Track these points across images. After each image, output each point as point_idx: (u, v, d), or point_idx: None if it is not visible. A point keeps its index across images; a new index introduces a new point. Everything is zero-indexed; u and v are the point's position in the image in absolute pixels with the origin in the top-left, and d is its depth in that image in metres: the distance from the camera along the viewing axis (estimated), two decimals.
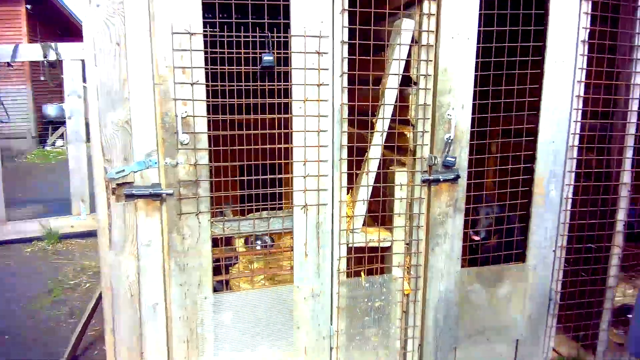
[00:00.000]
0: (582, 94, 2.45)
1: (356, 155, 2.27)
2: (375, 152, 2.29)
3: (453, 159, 2.32)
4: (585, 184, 2.57)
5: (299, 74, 2.09)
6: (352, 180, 2.35)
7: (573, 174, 2.55)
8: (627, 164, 2.59)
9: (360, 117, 2.27)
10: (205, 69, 1.98)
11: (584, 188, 2.60)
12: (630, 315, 3.06)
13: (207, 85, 1.99)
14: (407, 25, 2.17)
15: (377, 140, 2.28)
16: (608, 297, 2.71)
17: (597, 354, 2.76)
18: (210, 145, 2.04)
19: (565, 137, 2.49)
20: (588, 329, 2.76)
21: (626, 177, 2.60)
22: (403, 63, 2.22)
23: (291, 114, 2.13)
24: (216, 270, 2.22)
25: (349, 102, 2.19)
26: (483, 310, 2.57)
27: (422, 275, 2.45)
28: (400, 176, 2.35)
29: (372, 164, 2.30)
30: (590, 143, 2.57)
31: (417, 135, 2.32)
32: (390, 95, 2.25)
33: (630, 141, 2.56)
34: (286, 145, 2.16)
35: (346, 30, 2.11)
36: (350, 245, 2.34)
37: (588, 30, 2.38)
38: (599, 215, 2.66)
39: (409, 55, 2.25)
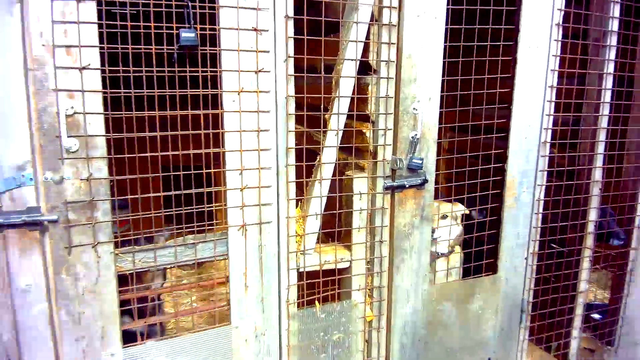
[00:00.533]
0: (555, 84, 2.18)
1: (306, 160, 1.83)
2: (329, 156, 1.86)
3: (420, 161, 1.96)
4: (557, 183, 2.32)
5: (231, 58, 1.62)
6: (302, 190, 1.92)
7: (545, 174, 2.29)
8: (599, 160, 2.37)
9: (310, 112, 1.84)
10: (100, 48, 1.45)
11: (554, 188, 2.36)
12: (596, 315, 2.91)
13: (103, 71, 1.46)
14: None
15: (332, 141, 1.85)
16: (579, 302, 2.51)
17: None
18: (110, 153, 1.51)
19: (538, 132, 2.22)
20: (560, 338, 2.55)
21: (597, 175, 2.38)
22: (361, 46, 1.81)
23: (222, 109, 1.64)
24: (139, 313, 1.71)
25: (296, 94, 1.75)
26: (453, 330, 2.26)
27: (386, 298, 2.08)
28: (359, 183, 1.95)
29: (326, 170, 1.88)
30: (562, 138, 2.32)
31: (378, 134, 1.92)
32: (346, 86, 1.83)
33: (602, 135, 2.34)
34: (216, 150, 1.68)
35: (291, 2, 1.66)
36: (301, 269, 1.91)
37: (563, 13, 2.10)
38: (570, 216, 2.45)
39: (368, 36, 1.84)
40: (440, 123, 2.01)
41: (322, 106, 1.81)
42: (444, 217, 2.36)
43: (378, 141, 1.93)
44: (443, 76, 1.97)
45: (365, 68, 1.89)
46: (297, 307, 1.92)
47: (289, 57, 1.69)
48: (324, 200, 1.90)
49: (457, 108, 2.07)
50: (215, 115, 1.66)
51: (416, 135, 1.95)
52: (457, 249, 2.50)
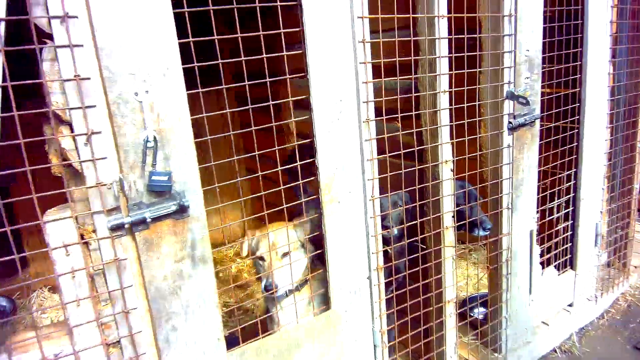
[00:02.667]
0: (368, 37, 1.55)
1: None
2: None
3: (166, 178, 1.22)
4: (395, 173, 1.72)
5: None
6: None
7: (376, 162, 1.68)
8: (444, 134, 1.81)
9: None
10: None
11: (390, 179, 1.78)
12: (477, 312, 2.46)
13: None
14: None
15: None
16: (449, 312, 1.98)
17: None
18: None
19: (355, 108, 1.59)
20: None
21: (446, 152, 1.83)
22: None
23: None
24: None
25: None
26: None
27: None
28: (61, 229, 1.16)
29: None
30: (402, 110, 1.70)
31: (79, 142, 1.15)
32: None
33: (443, 101, 1.77)
34: None
35: None
36: None
37: None
38: (419, 211, 1.89)
39: None
40: (194, 111, 1.28)
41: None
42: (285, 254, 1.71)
43: (82, 153, 1.15)
44: (183, 32, 1.23)
45: (38, 33, 1.08)
46: None
47: None
48: None
49: (229, 85, 1.33)
50: None
51: (148, 136, 1.20)
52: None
